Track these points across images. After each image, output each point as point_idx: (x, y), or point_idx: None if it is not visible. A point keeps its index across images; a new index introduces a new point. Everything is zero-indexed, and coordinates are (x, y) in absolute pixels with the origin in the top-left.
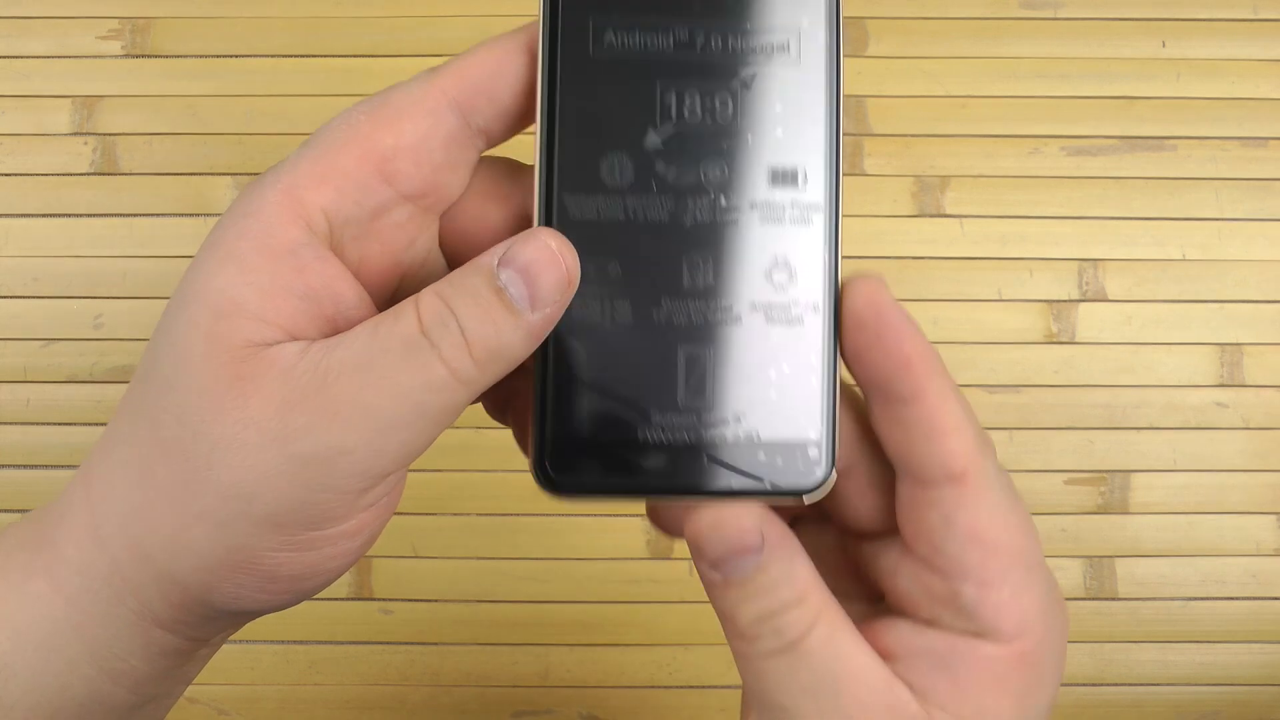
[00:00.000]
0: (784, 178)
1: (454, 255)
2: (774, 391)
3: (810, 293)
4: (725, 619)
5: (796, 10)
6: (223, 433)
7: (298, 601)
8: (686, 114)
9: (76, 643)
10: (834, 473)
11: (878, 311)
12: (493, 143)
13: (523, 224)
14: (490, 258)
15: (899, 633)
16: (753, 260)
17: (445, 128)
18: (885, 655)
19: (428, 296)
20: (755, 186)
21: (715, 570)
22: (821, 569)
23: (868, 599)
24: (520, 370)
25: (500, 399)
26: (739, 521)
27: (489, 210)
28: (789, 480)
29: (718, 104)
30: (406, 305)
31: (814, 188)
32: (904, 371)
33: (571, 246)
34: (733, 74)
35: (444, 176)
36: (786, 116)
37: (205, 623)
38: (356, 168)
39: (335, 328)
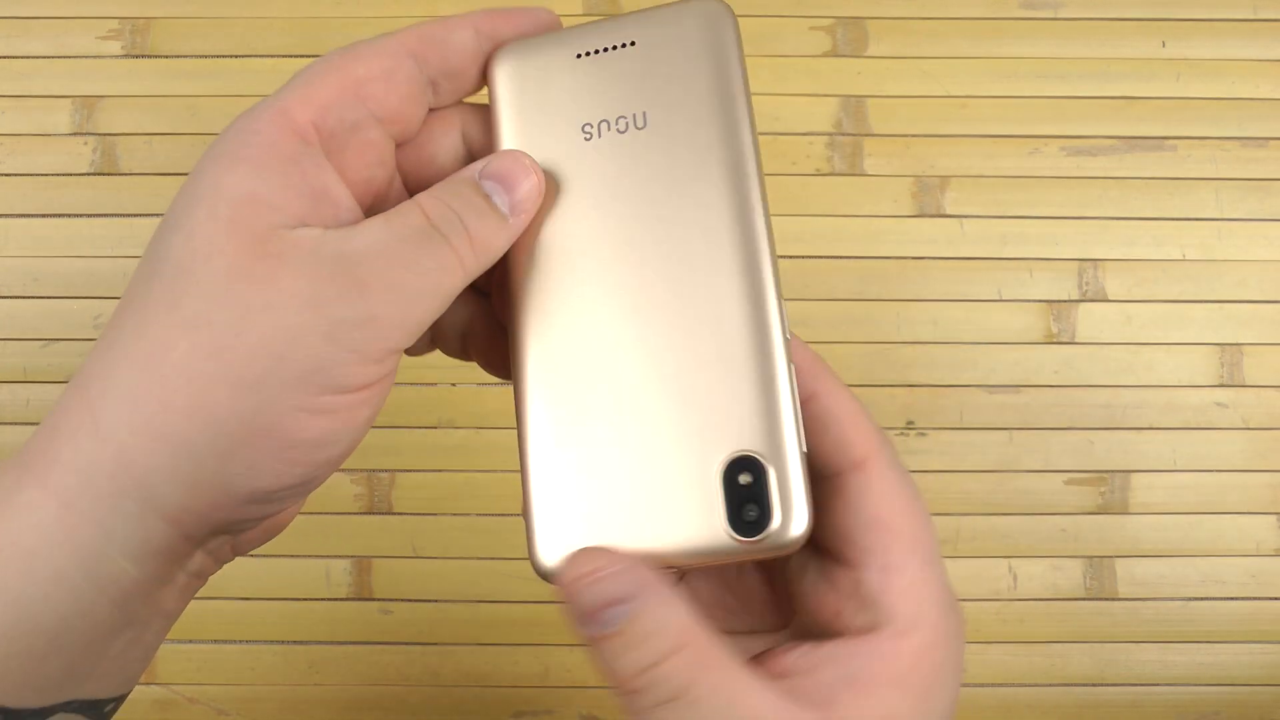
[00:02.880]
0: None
1: (411, 182)
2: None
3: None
4: (609, 675)
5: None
6: (255, 298)
7: (310, 482)
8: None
9: (67, 547)
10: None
11: None
12: (440, 101)
13: (470, 156)
14: (472, 171)
15: (801, 652)
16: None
17: (405, 68)
18: (786, 675)
19: (428, 199)
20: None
21: (585, 626)
22: (729, 602)
23: (773, 628)
24: (474, 308)
25: (459, 336)
26: (605, 572)
27: (443, 142)
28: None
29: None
30: (408, 206)
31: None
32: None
33: (537, 164)
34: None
35: (407, 108)
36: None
37: (213, 512)
38: (337, 91)
39: (337, 226)
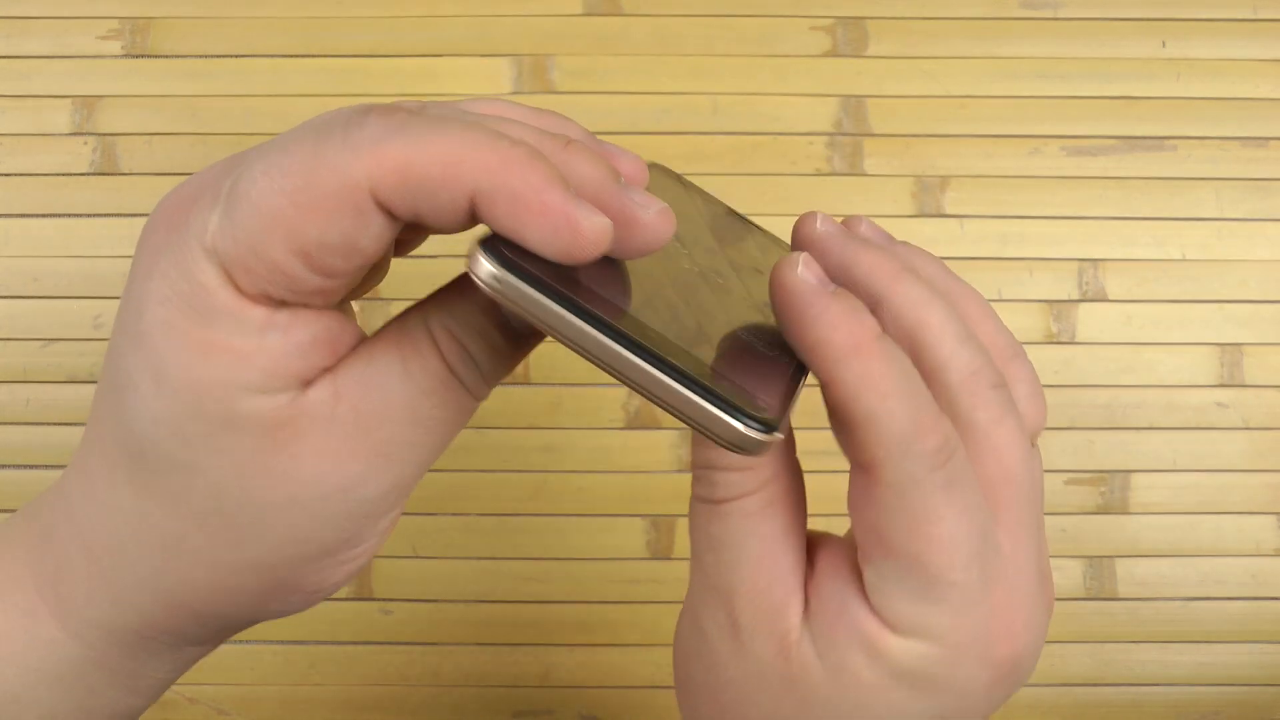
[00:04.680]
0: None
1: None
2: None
3: None
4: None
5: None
6: (275, 495)
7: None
8: None
9: (99, 672)
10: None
11: (784, 296)
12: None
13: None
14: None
15: (838, 550)
16: None
17: (374, 230)
18: (817, 559)
19: (445, 338)
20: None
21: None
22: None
23: None
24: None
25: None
26: None
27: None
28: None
29: None
30: (424, 343)
31: None
32: (811, 359)
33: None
34: None
35: (379, 258)
36: None
37: (237, 629)
38: (284, 260)
39: (334, 350)
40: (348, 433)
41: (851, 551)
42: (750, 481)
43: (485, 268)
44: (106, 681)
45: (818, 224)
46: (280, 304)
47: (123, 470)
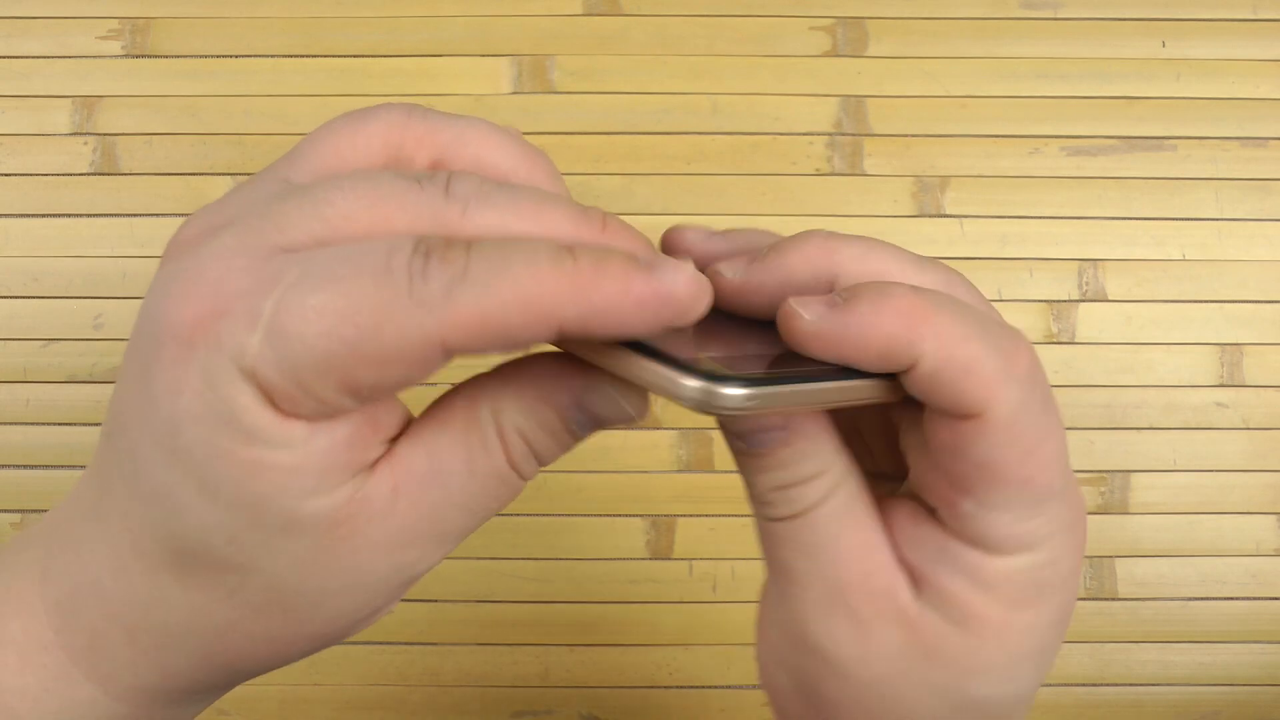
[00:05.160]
0: None
1: None
2: None
3: None
4: (746, 482)
5: None
6: (335, 584)
7: None
8: None
9: None
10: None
11: (819, 341)
12: None
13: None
14: (567, 396)
15: (906, 513)
16: None
17: (434, 370)
18: (892, 531)
19: (513, 437)
20: None
21: (740, 440)
22: (863, 433)
23: (895, 477)
24: None
25: None
26: None
27: None
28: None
29: None
30: (493, 442)
31: None
32: (888, 364)
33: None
34: None
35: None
36: None
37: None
38: (334, 398)
39: (378, 430)
40: (406, 526)
41: (912, 507)
42: (829, 480)
43: (734, 395)
44: None
45: (687, 236)
46: (317, 418)
47: (168, 570)
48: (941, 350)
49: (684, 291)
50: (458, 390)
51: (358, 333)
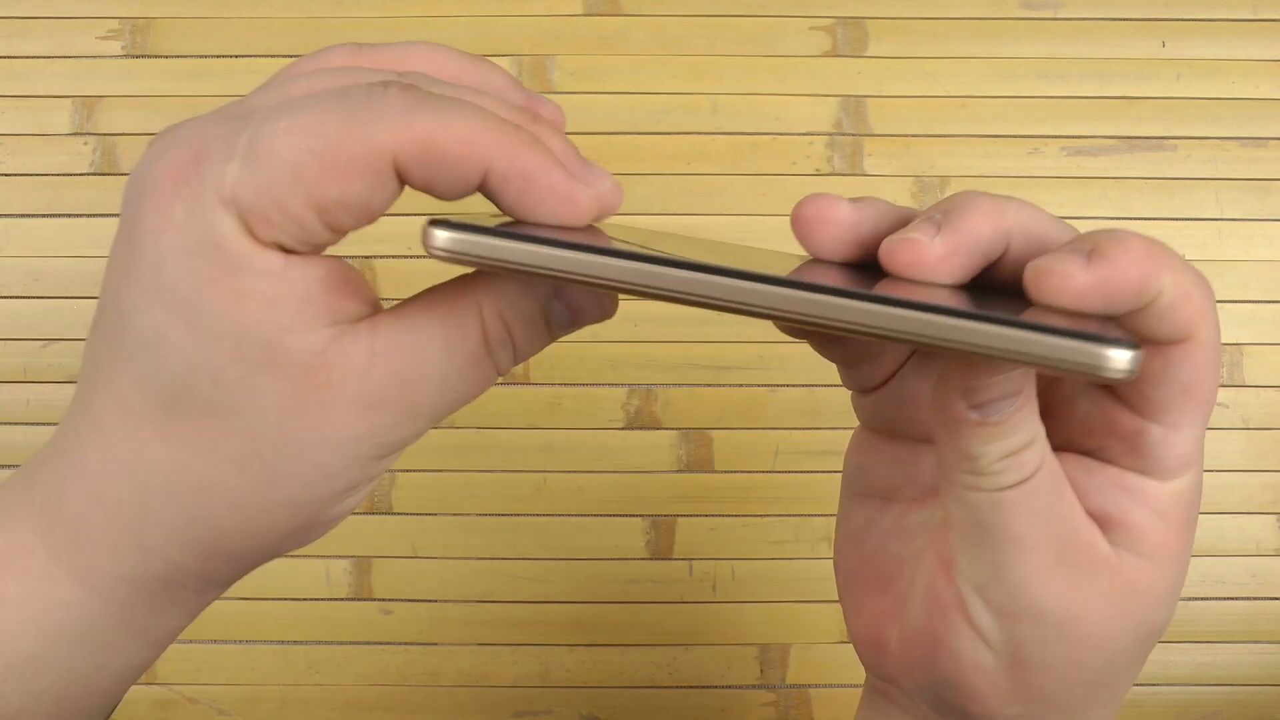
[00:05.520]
0: None
1: None
2: None
3: None
4: (968, 458)
5: None
6: (310, 436)
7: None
8: None
9: (121, 628)
10: None
11: (1091, 290)
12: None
13: None
14: (551, 289)
15: (1071, 465)
16: None
17: (387, 193)
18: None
19: (493, 320)
20: None
21: (977, 411)
22: None
23: None
24: None
25: None
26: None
27: None
28: None
29: None
30: (471, 324)
31: None
32: (1141, 297)
33: (615, 296)
34: None
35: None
36: None
37: (258, 565)
38: (303, 213)
39: (348, 288)
40: (380, 389)
41: (1074, 460)
42: (1043, 441)
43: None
44: (126, 635)
45: (839, 207)
46: (290, 251)
47: (151, 423)
48: (1175, 283)
49: (585, 201)
50: (446, 283)
51: (324, 143)
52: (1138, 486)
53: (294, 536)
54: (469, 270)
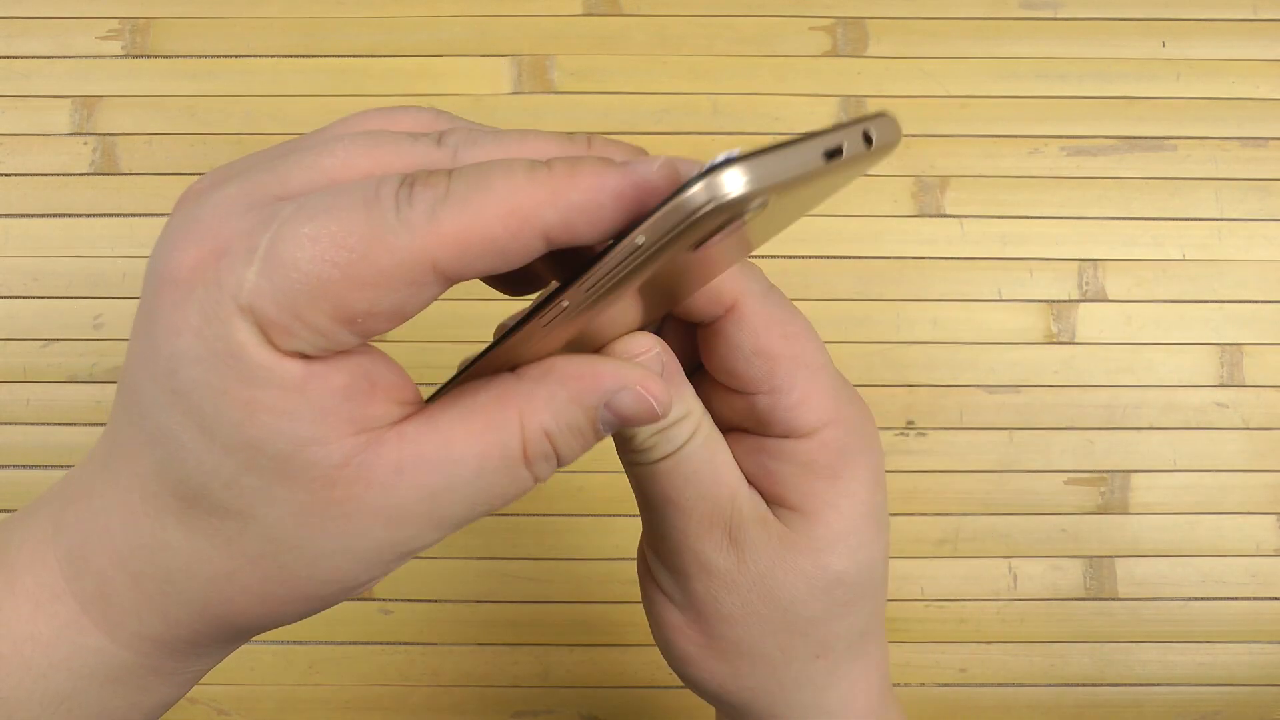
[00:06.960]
0: None
1: None
2: None
3: None
4: (623, 438)
5: None
6: (328, 545)
7: None
8: None
9: (150, 675)
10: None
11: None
12: None
13: None
14: (597, 397)
15: (734, 440)
16: None
17: (426, 296)
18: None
19: (535, 435)
20: None
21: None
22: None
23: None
24: None
25: None
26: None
27: None
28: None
29: None
30: (512, 434)
31: None
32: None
33: (669, 393)
34: None
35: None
36: None
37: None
38: (328, 326)
39: (374, 386)
40: (406, 504)
41: (737, 435)
42: (694, 418)
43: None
44: (158, 679)
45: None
46: (314, 358)
47: (172, 513)
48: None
49: (657, 177)
50: (485, 386)
51: (349, 255)
52: (776, 447)
53: (307, 615)
54: (508, 371)
